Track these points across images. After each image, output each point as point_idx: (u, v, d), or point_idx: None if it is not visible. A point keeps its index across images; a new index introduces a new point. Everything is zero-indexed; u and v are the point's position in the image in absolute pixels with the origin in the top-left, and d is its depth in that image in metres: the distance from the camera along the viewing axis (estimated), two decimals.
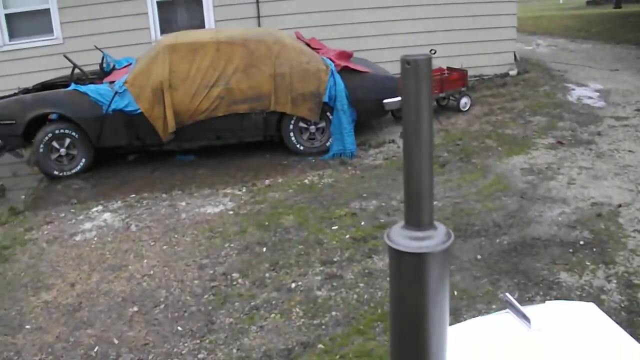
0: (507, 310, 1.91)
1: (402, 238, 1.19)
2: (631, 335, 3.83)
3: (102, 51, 8.57)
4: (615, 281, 4.46)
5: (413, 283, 1.20)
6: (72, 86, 7.41)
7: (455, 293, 4.41)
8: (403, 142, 1.15)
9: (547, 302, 2.01)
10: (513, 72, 11.38)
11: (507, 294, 1.95)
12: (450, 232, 1.22)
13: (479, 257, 4.92)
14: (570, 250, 4.93)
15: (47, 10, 9.73)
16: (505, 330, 1.82)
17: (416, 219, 1.18)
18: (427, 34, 10.32)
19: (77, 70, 8.06)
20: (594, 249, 4.92)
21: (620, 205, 5.68)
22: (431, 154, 1.16)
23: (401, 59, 1.08)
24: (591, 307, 1.99)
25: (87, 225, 6.06)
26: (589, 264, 4.71)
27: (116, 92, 7.28)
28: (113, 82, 7.49)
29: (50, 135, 7.32)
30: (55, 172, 7.43)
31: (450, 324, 1.58)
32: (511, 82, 10.76)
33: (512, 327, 1.83)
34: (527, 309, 1.87)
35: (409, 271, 1.19)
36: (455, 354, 1.70)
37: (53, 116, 7.36)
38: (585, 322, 1.90)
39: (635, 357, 1.76)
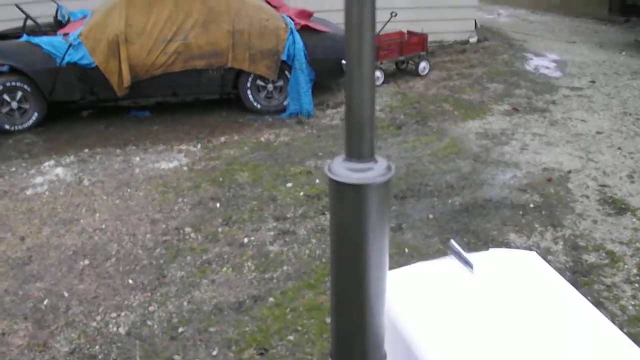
0: (451, 255, 1.94)
1: (342, 169, 1.19)
2: None
3: (56, 3, 8.33)
4: (561, 243, 4.58)
5: (353, 214, 1.21)
6: (25, 37, 7.20)
7: (406, 250, 4.48)
8: (345, 72, 1.14)
9: (490, 249, 2.04)
10: (473, 40, 11.43)
11: (453, 241, 1.98)
12: (391, 166, 1.23)
13: (430, 216, 4.99)
14: (520, 212, 5.03)
15: None
16: (447, 274, 1.85)
17: (357, 150, 1.19)
18: None
19: (30, 22, 7.83)
20: (543, 212, 5.03)
21: (570, 172, 5.80)
22: (373, 86, 1.16)
23: None
24: (533, 255, 2.04)
25: (39, 179, 5.95)
26: (537, 226, 4.81)
27: (70, 45, 7.10)
28: (67, 34, 7.29)
29: (0, 87, 7.11)
30: (6, 126, 7.24)
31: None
32: (471, 49, 10.82)
33: (455, 271, 1.86)
34: (470, 256, 1.91)
35: (349, 202, 1.20)
36: (397, 295, 1.73)
37: (4, 68, 7.14)
38: (527, 268, 1.94)
39: (572, 302, 1.81)
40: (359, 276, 1.29)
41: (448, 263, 1.91)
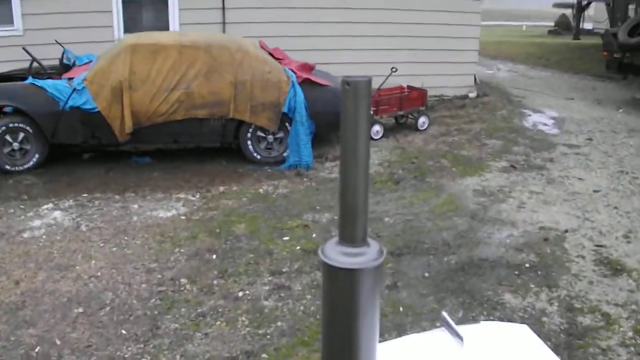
0: (442, 328, 1.95)
1: (335, 253, 1.22)
2: (567, 358, 3.92)
3: (62, 46, 8.47)
4: (557, 304, 4.57)
5: (345, 298, 1.23)
6: (30, 80, 7.30)
7: (401, 309, 4.46)
8: (340, 160, 1.18)
9: (481, 322, 2.06)
10: (472, 95, 11.57)
11: (444, 313, 1.99)
12: (383, 250, 1.26)
13: (426, 274, 4.99)
14: (516, 272, 5.03)
15: (9, 0, 9.55)
16: (437, 348, 1.86)
17: (350, 235, 1.22)
18: (390, 51, 10.45)
19: (35, 64, 7.94)
20: (539, 272, 5.03)
21: (566, 231, 5.82)
22: (367, 173, 1.20)
23: (342, 80, 1.11)
24: (524, 328, 2.05)
25: (37, 222, 5.95)
26: (533, 286, 4.81)
27: (74, 89, 7.20)
28: (72, 78, 7.39)
29: (3, 128, 7.19)
30: (7, 167, 7.29)
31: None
32: (470, 105, 10.94)
33: (445, 344, 1.87)
34: (461, 328, 1.92)
35: (341, 286, 1.23)
36: None
37: (8, 109, 7.23)
38: (517, 343, 1.95)
39: None
40: (349, 354, 1.31)
41: (439, 335, 1.92)
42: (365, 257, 1.21)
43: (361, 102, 1.13)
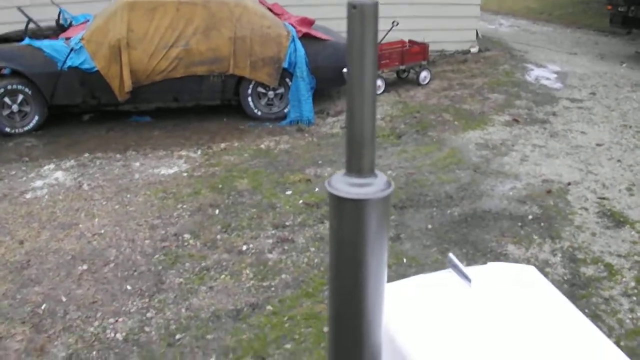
0: (449, 269, 1.94)
1: (342, 184, 1.19)
2: None
3: (59, 6, 8.34)
4: (560, 255, 4.58)
5: (352, 229, 1.21)
6: (26, 41, 7.21)
7: (405, 261, 4.48)
8: (347, 89, 1.15)
9: (488, 263, 2.05)
10: (474, 50, 11.46)
11: (451, 254, 1.99)
12: (391, 182, 1.23)
13: (429, 226, 5.00)
14: (519, 224, 5.03)
15: None
16: (445, 288, 1.86)
17: (357, 166, 1.19)
18: (391, 6, 10.24)
19: (32, 25, 7.84)
20: (542, 224, 5.03)
21: (569, 184, 5.81)
22: (374, 102, 1.17)
23: (347, 2, 1.08)
24: (531, 269, 2.04)
25: (39, 183, 5.95)
26: (536, 237, 4.82)
27: (72, 49, 7.11)
28: (69, 38, 7.30)
29: (1, 90, 7.12)
30: (7, 129, 7.24)
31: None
32: (472, 59, 10.84)
33: (453, 284, 1.86)
34: (468, 269, 1.91)
35: (349, 217, 1.20)
36: (395, 308, 1.73)
37: (5, 71, 7.14)
38: (525, 283, 1.95)
39: (570, 317, 1.81)
40: (357, 289, 1.30)
41: (446, 276, 1.91)
42: (372, 187, 1.19)
43: (368, 25, 1.10)
